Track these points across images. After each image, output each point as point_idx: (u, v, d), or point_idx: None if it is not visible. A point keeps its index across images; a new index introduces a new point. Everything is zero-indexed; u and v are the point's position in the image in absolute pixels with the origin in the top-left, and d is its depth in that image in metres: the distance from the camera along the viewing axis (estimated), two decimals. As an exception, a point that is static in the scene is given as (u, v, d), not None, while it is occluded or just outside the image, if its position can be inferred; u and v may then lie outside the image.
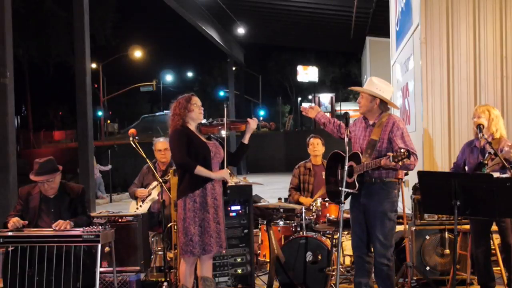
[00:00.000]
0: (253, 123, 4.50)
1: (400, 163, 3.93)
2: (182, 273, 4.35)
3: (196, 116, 4.38)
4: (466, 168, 4.71)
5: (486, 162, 4.45)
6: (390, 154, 3.98)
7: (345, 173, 4.04)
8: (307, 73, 44.23)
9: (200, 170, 4.21)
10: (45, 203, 4.65)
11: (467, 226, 4.86)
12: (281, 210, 5.57)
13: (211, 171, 4.28)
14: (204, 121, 4.52)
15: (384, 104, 4.31)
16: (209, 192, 4.27)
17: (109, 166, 15.81)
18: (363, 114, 4.39)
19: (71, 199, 4.69)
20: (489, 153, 4.37)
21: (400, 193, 4.69)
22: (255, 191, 6.08)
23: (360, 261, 4.37)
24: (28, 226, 4.52)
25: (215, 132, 4.49)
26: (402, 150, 3.93)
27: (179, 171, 4.38)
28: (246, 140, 4.55)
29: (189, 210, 4.20)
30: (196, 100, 4.41)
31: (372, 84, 4.30)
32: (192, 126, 4.38)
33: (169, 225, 5.22)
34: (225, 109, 4.50)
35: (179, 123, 4.31)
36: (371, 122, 4.34)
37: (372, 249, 4.31)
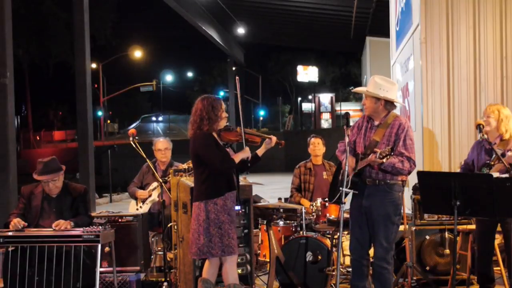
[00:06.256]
0: (273, 141, 4.50)
1: (384, 159, 3.89)
2: (205, 271, 4.35)
3: (222, 125, 4.37)
4: (475, 167, 4.67)
5: (492, 163, 4.39)
6: (378, 150, 3.95)
7: (346, 173, 4.03)
8: (307, 73, 44.16)
9: (237, 158, 4.24)
10: (47, 203, 4.65)
11: (467, 226, 4.85)
12: (281, 210, 5.57)
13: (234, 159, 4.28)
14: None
15: (390, 104, 4.22)
16: (229, 196, 4.29)
17: None
18: (369, 115, 4.31)
19: (73, 199, 4.69)
20: (496, 154, 4.30)
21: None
22: (255, 191, 6.06)
23: (357, 264, 4.29)
24: (29, 225, 4.52)
25: (233, 142, 4.46)
26: (388, 147, 3.92)
27: (200, 171, 4.26)
28: (260, 153, 4.56)
29: (210, 212, 4.19)
30: (224, 107, 4.40)
31: (376, 84, 4.19)
32: (214, 133, 4.34)
33: (169, 225, 5.22)
34: (240, 120, 4.53)
35: (206, 128, 4.24)
36: (376, 123, 4.27)
37: (369, 252, 4.27)
